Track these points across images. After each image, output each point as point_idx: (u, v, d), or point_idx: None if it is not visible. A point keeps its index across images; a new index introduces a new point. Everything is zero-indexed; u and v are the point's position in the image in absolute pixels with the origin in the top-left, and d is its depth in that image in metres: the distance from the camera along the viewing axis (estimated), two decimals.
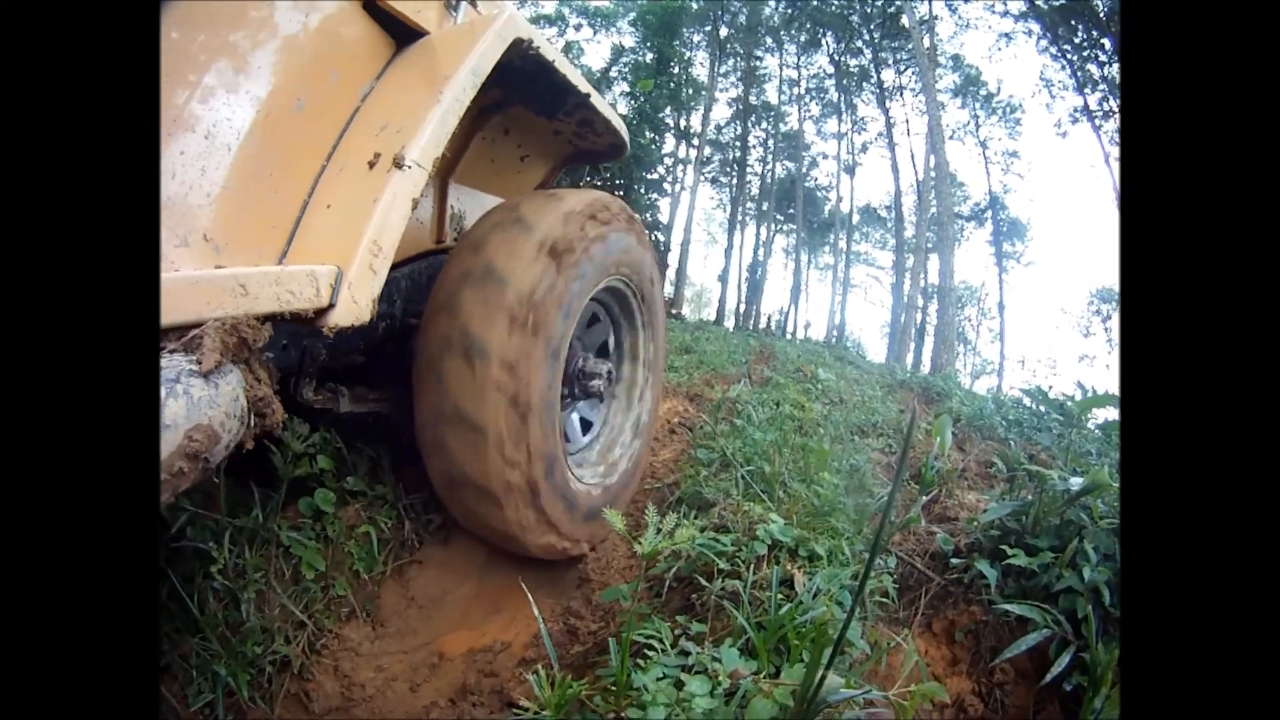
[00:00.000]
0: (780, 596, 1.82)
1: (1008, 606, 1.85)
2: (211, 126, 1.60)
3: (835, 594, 1.83)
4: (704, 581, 2.01)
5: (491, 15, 2.14)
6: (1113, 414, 3.05)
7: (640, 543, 1.63)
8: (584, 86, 2.63)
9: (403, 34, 2.14)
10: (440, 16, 2.24)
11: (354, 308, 1.64)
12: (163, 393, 1.16)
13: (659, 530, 1.68)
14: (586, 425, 3.06)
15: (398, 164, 1.74)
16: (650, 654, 1.64)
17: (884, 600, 2.05)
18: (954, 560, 2.16)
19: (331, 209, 1.78)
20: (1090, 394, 2.73)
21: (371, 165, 1.79)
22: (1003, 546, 2.04)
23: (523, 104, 2.69)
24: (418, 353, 2.18)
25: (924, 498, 2.47)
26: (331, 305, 1.59)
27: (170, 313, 1.26)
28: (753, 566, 2.04)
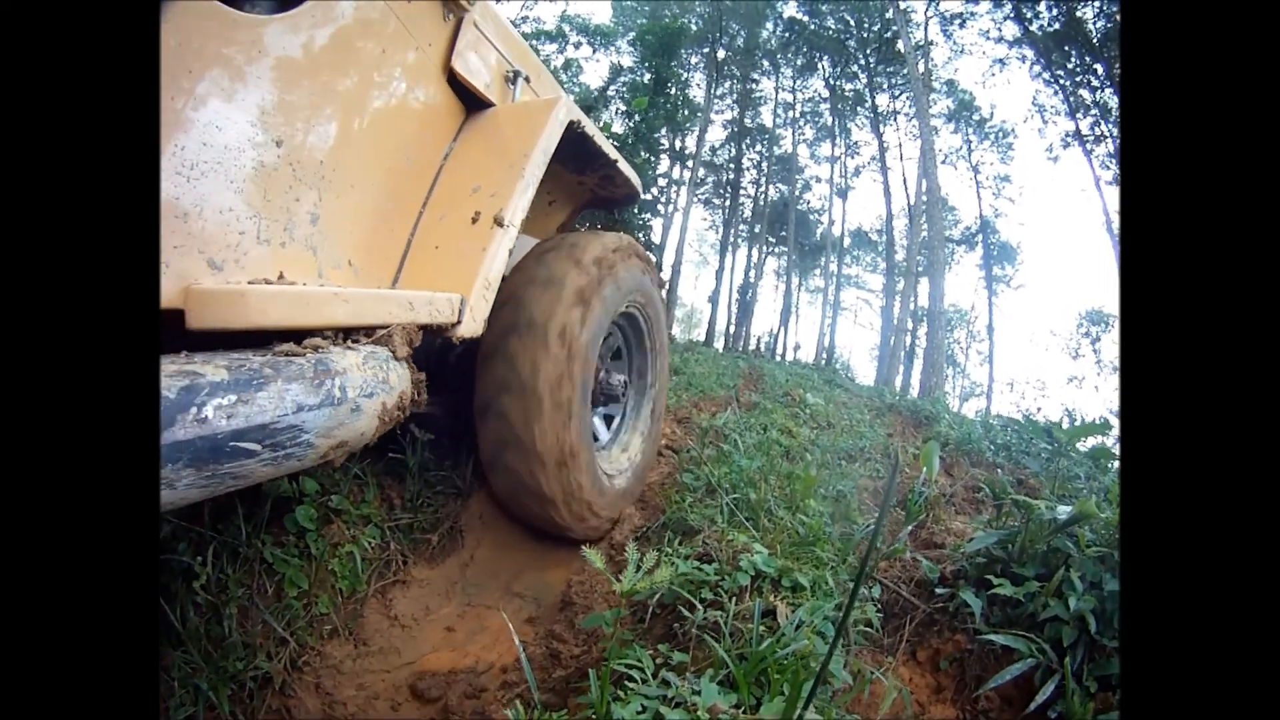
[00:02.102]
0: (762, 628, 1.81)
1: (993, 636, 1.84)
2: (358, 178, 2.07)
3: (818, 625, 1.82)
4: (686, 612, 1.99)
5: (552, 100, 2.63)
6: (1100, 440, 3.06)
7: (619, 580, 1.62)
8: (612, 154, 3.19)
9: (471, 102, 2.61)
10: (501, 89, 2.74)
11: (472, 324, 2.19)
12: (385, 368, 1.72)
13: (639, 568, 1.68)
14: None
15: (498, 223, 2.27)
16: (630, 684, 1.63)
17: (868, 629, 2.04)
18: (939, 589, 2.15)
19: (440, 249, 2.31)
20: (1079, 419, 2.73)
21: (474, 220, 2.31)
22: (988, 575, 2.03)
23: (560, 163, 3.05)
24: (485, 339, 2.57)
25: (910, 526, 2.46)
26: (458, 321, 2.13)
27: (365, 316, 1.76)
28: (736, 597, 2.03)
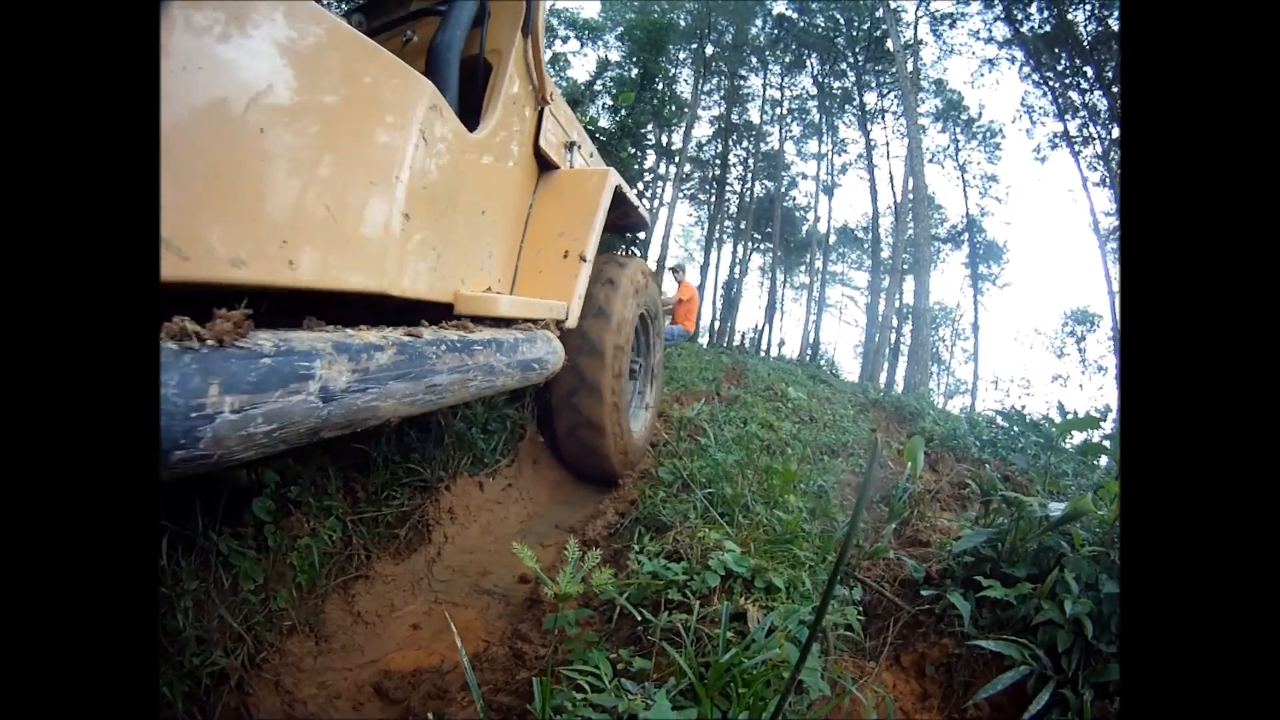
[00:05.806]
0: (731, 634, 1.71)
1: (982, 642, 1.75)
2: (501, 229, 3.14)
3: (792, 630, 1.72)
4: (649, 615, 1.90)
5: (606, 170, 3.76)
6: (1087, 435, 3.01)
7: (554, 582, 1.54)
8: (635, 200, 4.34)
9: (544, 164, 3.62)
10: (561, 154, 3.78)
11: (573, 320, 3.36)
12: (554, 340, 3.00)
13: (575, 571, 1.60)
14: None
15: (582, 258, 3.40)
16: (581, 694, 1.53)
17: (848, 633, 1.95)
18: (925, 590, 2.07)
19: (543, 274, 3.37)
20: (1071, 415, 2.65)
21: (565, 256, 3.40)
22: (977, 576, 1.95)
23: None
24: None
25: (894, 523, 2.38)
26: (566, 318, 3.28)
27: (542, 314, 3.03)
28: (704, 600, 1.94)
